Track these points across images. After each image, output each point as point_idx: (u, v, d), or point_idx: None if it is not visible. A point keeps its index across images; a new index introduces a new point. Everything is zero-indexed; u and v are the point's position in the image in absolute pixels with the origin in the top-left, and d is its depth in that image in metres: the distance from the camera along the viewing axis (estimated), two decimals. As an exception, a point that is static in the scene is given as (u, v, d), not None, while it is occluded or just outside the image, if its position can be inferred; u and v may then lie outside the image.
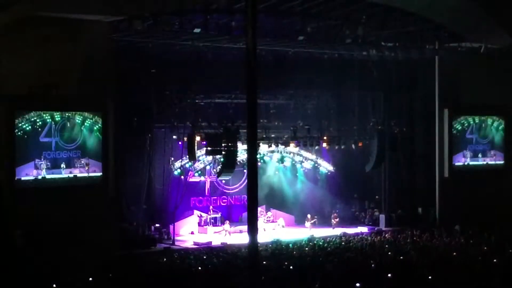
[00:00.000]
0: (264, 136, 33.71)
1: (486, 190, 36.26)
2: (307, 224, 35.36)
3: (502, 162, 38.77)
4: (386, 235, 32.28)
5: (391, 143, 35.18)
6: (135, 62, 30.81)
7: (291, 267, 23.78)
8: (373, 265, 24.14)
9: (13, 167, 27.06)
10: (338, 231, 34.12)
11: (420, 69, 37.04)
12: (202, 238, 32.85)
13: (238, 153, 31.71)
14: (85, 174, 28.55)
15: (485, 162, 38.32)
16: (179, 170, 33.28)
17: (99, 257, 25.88)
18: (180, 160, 33.09)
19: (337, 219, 36.14)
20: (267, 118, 34.90)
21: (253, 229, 11.99)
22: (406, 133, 36.37)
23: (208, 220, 34.59)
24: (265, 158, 35.53)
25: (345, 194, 38.35)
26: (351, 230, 34.67)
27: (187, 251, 29.62)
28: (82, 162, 28.53)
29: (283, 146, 35.22)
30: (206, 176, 35.16)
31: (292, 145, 34.82)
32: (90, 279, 21.46)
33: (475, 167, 37.92)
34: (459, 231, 32.51)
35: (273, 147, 34.63)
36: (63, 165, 28.06)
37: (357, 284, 19.84)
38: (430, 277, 21.28)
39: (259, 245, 13.08)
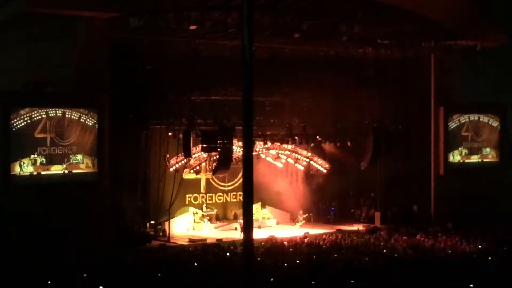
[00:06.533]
0: (259, 133, 33.72)
1: (481, 188, 36.33)
2: (297, 225, 35.36)
3: (496, 159, 38.87)
4: (381, 233, 32.31)
5: (387, 141, 35.22)
6: (131, 59, 30.74)
7: (285, 264, 23.84)
8: (368, 262, 24.20)
9: (8, 163, 27.02)
10: (303, 230, 33.68)
11: (415, 67, 37.02)
12: (197, 235, 32.87)
13: (233, 150, 31.73)
14: (80, 171, 28.52)
15: (480, 160, 38.40)
16: (174, 167, 33.24)
17: (94, 253, 25.86)
18: (176, 157, 33.07)
19: (305, 215, 35.79)
20: (263, 115, 34.85)
21: (248, 226, 12.02)
22: (401, 130, 36.37)
23: (203, 217, 34.62)
24: (260, 155, 35.53)
25: (341, 192, 38.35)
26: (346, 228, 34.74)
27: (183, 248, 29.65)
28: (77, 158, 28.49)
29: (279, 143, 35.24)
30: (201, 173, 35.16)
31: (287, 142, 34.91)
32: (85, 275, 21.47)
33: (470, 164, 38.01)
34: (451, 228, 32.60)
35: (269, 144, 34.64)
36: (58, 161, 28.02)
37: (352, 282, 19.92)
38: (425, 275, 21.36)
39: (254, 242, 13.09)
